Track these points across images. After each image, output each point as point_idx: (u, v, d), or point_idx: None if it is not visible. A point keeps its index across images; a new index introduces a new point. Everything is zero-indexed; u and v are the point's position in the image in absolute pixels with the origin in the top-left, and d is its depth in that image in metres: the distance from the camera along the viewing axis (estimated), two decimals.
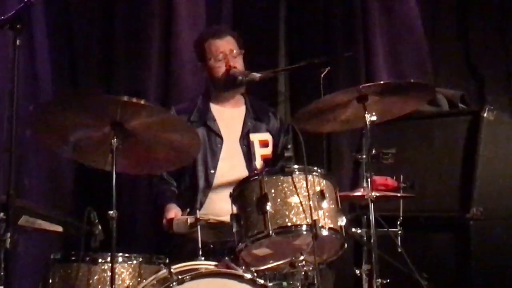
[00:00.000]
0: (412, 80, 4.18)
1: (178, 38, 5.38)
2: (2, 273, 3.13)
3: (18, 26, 3.20)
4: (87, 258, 3.54)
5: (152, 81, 5.37)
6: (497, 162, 4.71)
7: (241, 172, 4.47)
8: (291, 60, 5.67)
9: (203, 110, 4.61)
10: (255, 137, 4.61)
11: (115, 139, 3.49)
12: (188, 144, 3.76)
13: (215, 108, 4.63)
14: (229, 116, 4.65)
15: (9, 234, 3.11)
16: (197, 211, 4.00)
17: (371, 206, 3.77)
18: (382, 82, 4.31)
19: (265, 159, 4.59)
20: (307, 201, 3.49)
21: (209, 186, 4.49)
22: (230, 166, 4.53)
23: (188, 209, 4.29)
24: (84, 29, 5.31)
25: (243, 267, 3.55)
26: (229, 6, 5.62)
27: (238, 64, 4.52)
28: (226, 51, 4.52)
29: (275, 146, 4.64)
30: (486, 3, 5.73)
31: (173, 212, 4.29)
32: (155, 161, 3.87)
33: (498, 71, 5.62)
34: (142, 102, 3.44)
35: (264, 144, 4.62)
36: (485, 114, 4.64)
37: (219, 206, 4.31)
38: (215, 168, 4.51)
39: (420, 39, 5.65)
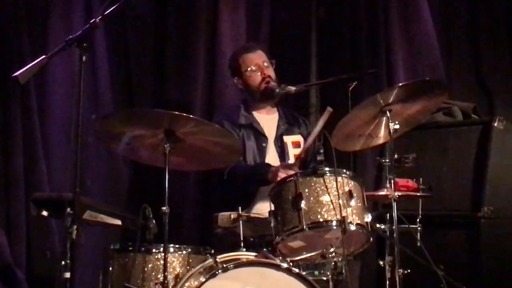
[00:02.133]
0: (427, 78, 4.09)
1: (221, 56, 5.34)
2: (68, 261, 3.13)
3: (84, 44, 3.19)
4: (143, 249, 3.56)
5: (198, 94, 5.35)
6: (505, 166, 4.69)
7: None
8: (322, 75, 5.65)
9: (247, 115, 4.60)
10: (288, 139, 4.58)
11: (167, 144, 3.51)
12: (230, 146, 3.77)
13: (253, 114, 4.63)
14: (265, 121, 4.63)
15: (75, 227, 3.12)
16: (239, 208, 3.92)
17: (394, 204, 3.75)
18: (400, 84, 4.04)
19: (297, 158, 4.54)
20: (337, 200, 3.49)
21: None
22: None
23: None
24: (139, 48, 5.29)
25: (280, 258, 3.54)
26: (266, 28, 5.61)
27: (271, 73, 4.57)
28: (260, 63, 4.57)
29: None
30: (495, 24, 5.68)
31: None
32: (204, 159, 3.87)
33: (506, 85, 5.58)
34: (191, 116, 3.52)
35: (296, 145, 4.58)
36: (495, 124, 4.65)
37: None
38: None
39: (436, 57, 5.61)
